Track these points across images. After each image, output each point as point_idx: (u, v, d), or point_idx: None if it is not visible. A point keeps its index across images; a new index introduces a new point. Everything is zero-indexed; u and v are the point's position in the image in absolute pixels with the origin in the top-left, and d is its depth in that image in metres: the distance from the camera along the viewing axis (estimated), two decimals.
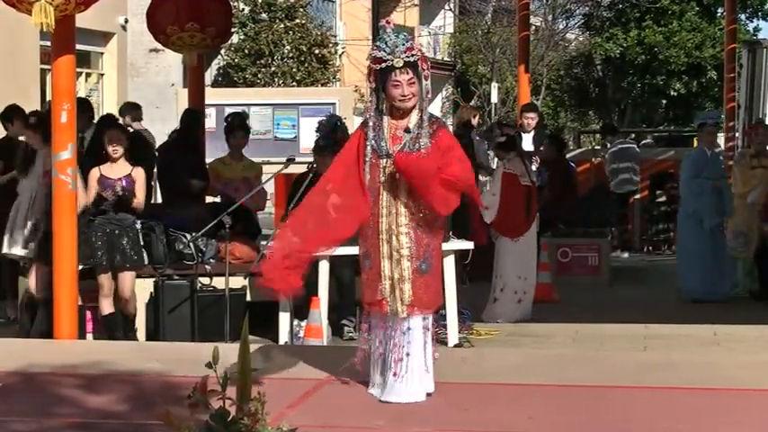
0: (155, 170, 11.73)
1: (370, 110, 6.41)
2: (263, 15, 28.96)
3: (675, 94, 34.58)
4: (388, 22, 6.46)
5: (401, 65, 6.20)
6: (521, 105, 14.95)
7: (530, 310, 10.60)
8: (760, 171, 11.90)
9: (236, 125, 11.21)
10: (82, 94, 21.83)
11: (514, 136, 11.01)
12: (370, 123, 6.36)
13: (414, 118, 6.33)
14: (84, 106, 11.46)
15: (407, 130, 6.31)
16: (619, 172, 16.49)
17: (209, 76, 27.84)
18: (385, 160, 6.30)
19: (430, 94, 6.37)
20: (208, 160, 11.54)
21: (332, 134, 10.88)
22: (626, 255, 16.30)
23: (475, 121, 14.08)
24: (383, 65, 6.23)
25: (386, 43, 6.24)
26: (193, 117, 11.37)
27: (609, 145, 17.25)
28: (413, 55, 6.23)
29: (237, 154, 11.27)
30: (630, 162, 16.58)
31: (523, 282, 10.57)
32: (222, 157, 11.37)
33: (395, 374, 6.29)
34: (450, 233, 9.11)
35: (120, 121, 14.08)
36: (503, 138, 10.83)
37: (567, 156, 16.19)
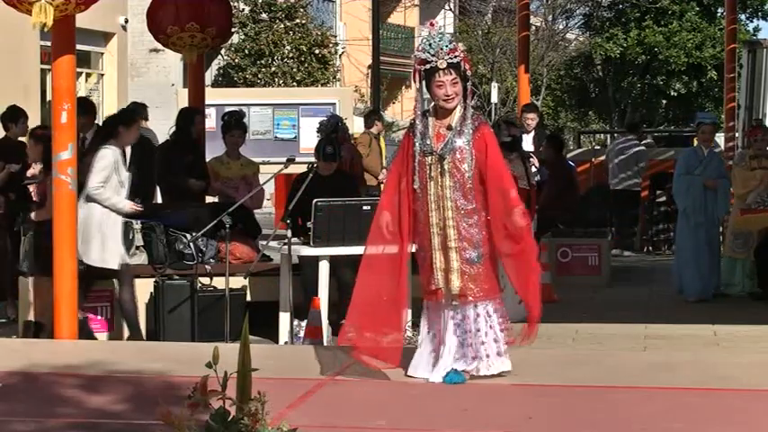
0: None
1: (416, 111, 6.76)
2: (263, 15, 28.99)
3: (675, 94, 34.62)
4: (432, 24, 6.86)
5: (444, 66, 6.57)
6: (521, 105, 14.95)
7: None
8: (760, 172, 11.90)
9: (233, 124, 11.23)
10: (82, 94, 21.83)
11: (519, 137, 11.00)
12: (418, 125, 6.70)
13: (457, 115, 6.68)
14: (86, 107, 11.48)
15: (449, 128, 6.66)
16: (620, 171, 16.51)
17: (210, 76, 27.87)
18: (430, 158, 6.66)
19: (472, 93, 6.78)
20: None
21: (333, 134, 10.89)
22: (627, 253, 16.30)
23: None
24: (427, 66, 6.59)
25: (430, 45, 6.59)
26: (188, 116, 11.35)
27: (616, 137, 17.25)
28: (456, 56, 6.59)
29: (235, 153, 11.30)
30: (635, 166, 16.58)
31: None
32: (219, 156, 11.40)
33: (429, 359, 6.71)
34: None
35: None
36: (508, 138, 10.80)
37: (567, 156, 16.19)
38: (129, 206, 9.13)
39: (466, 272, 6.62)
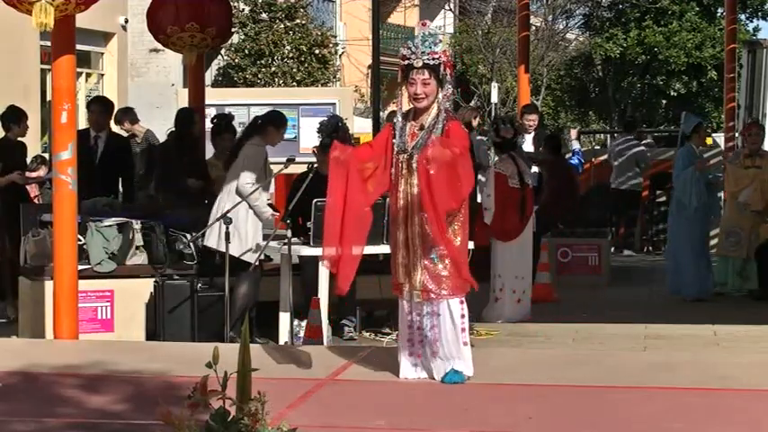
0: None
1: (399, 108, 6.89)
2: (264, 15, 28.95)
3: (675, 94, 34.60)
4: (424, 24, 6.92)
5: (419, 65, 6.68)
6: (521, 106, 14.95)
7: (529, 310, 10.60)
8: (752, 171, 11.96)
9: (224, 127, 11.33)
10: (82, 93, 21.84)
11: (510, 140, 11.00)
12: (398, 122, 6.81)
13: (431, 116, 6.76)
14: (106, 107, 11.57)
15: (422, 127, 6.75)
16: (620, 173, 16.54)
17: (209, 76, 27.82)
18: (402, 156, 6.75)
19: (450, 98, 6.84)
20: None
21: (333, 134, 10.89)
22: (627, 252, 16.31)
23: (475, 123, 14.08)
24: (405, 63, 6.74)
25: (413, 43, 6.73)
26: (186, 116, 11.38)
27: (616, 138, 17.27)
28: (434, 58, 6.69)
29: (224, 155, 11.37)
30: (635, 167, 16.62)
31: (521, 281, 10.58)
32: (208, 158, 11.48)
33: (410, 354, 6.80)
34: None
35: (119, 127, 14.16)
36: (499, 139, 10.84)
37: (567, 156, 16.19)
38: (269, 214, 9.30)
39: (428, 269, 6.68)
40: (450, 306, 6.72)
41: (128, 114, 14.21)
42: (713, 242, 12.66)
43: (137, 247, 9.76)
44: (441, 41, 6.84)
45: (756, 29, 36.48)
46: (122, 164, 11.48)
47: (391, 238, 6.91)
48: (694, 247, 11.81)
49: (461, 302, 6.78)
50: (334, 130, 10.88)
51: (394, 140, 6.78)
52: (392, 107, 7.05)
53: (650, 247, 17.00)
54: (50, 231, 9.02)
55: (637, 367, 7.42)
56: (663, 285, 12.68)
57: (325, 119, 11.37)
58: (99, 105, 11.57)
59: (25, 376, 6.96)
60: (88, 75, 24.57)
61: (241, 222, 9.22)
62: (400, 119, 6.82)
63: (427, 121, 6.74)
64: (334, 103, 16.83)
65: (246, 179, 9.18)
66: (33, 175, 13.03)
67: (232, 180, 9.28)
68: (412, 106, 6.84)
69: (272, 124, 9.58)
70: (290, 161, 9.52)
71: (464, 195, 6.70)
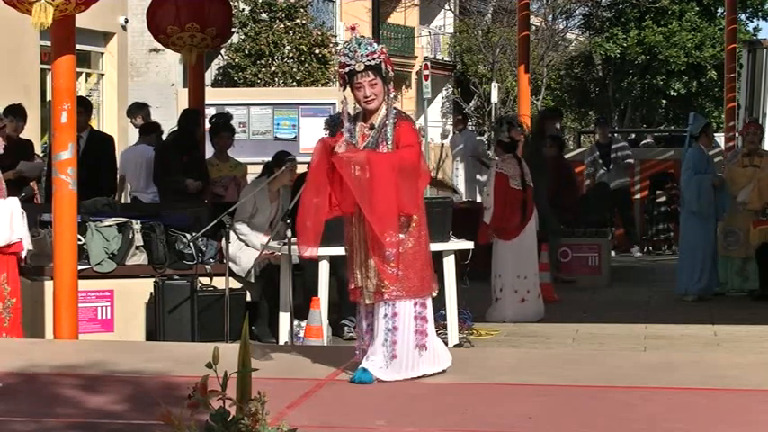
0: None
1: (344, 114, 6.86)
2: (264, 15, 28.95)
3: (675, 94, 34.64)
4: (353, 28, 6.79)
5: (362, 68, 6.68)
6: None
7: (541, 309, 10.59)
8: (750, 170, 11.97)
9: (222, 126, 11.33)
10: (82, 94, 21.82)
11: (517, 141, 10.99)
12: (346, 127, 6.80)
13: (380, 116, 6.75)
14: (84, 107, 11.51)
15: (372, 127, 6.75)
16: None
17: (209, 76, 27.84)
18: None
19: (393, 93, 6.85)
20: None
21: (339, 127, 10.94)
22: (638, 253, 16.29)
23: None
24: (347, 69, 6.71)
25: (349, 49, 6.73)
26: (191, 117, 11.41)
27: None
28: (374, 58, 6.69)
29: (224, 154, 11.42)
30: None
31: (523, 281, 10.56)
32: (208, 158, 11.50)
33: (366, 357, 6.73)
34: (451, 233, 9.11)
35: (131, 120, 14.17)
36: (507, 139, 10.82)
37: (567, 155, 16.21)
38: (258, 245, 9.57)
39: (383, 270, 6.62)
40: (406, 307, 6.67)
41: (142, 110, 14.23)
42: None
43: (137, 247, 9.77)
44: (375, 42, 6.84)
45: (756, 29, 36.63)
46: (104, 161, 11.47)
47: (346, 241, 6.86)
48: (708, 245, 11.84)
49: (420, 305, 6.72)
50: (336, 124, 10.90)
51: (341, 147, 6.66)
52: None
53: (650, 247, 16.98)
54: (50, 231, 9.02)
55: (637, 367, 7.42)
56: (663, 285, 12.68)
57: (335, 114, 11.40)
58: (78, 105, 11.54)
59: (25, 376, 6.96)
60: (88, 75, 24.57)
61: (236, 251, 9.58)
62: (347, 123, 6.78)
63: (377, 121, 6.72)
64: (334, 103, 16.86)
65: (238, 216, 9.55)
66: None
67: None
68: (359, 109, 6.81)
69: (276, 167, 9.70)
70: (291, 161, 9.53)
71: (420, 192, 6.70)
